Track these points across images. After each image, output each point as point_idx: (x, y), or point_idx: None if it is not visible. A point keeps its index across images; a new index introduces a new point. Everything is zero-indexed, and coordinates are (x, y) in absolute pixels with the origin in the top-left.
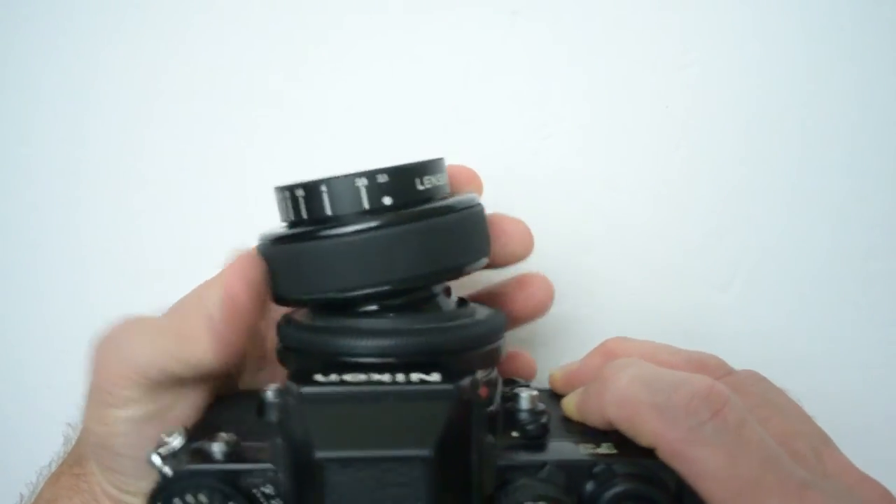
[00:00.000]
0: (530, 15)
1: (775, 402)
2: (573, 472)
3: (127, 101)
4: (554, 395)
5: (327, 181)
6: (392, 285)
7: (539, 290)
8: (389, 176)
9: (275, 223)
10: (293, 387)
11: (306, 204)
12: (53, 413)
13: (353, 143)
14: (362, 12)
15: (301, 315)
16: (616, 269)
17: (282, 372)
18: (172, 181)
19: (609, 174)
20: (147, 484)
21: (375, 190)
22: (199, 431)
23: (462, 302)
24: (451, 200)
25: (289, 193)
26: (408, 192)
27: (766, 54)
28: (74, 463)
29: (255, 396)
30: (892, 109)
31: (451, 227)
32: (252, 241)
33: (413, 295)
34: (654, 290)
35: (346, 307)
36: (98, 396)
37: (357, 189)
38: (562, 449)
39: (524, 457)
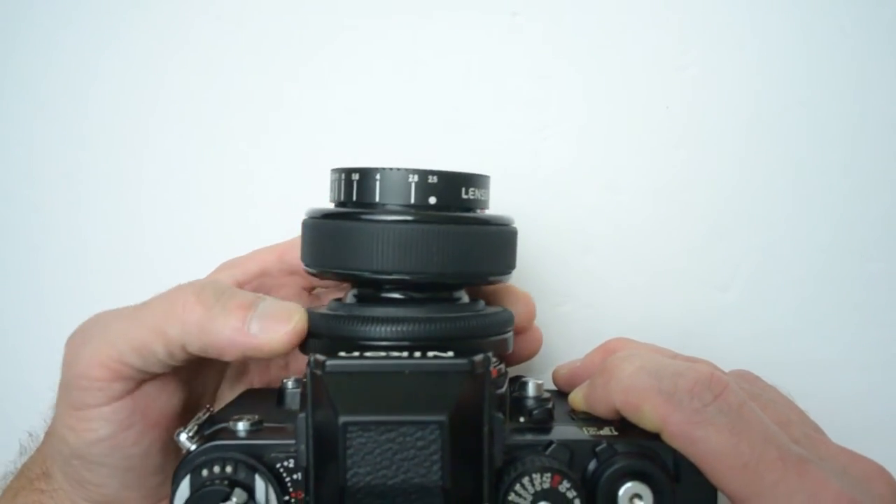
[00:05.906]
0: (530, 16)
1: (767, 396)
2: (577, 450)
3: (127, 101)
4: (559, 394)
5: (382, 171)
6: (422, 277)
7: (533, 339)
8: (439, 179)
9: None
10: (320, 360)
11: (358, 188)
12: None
13: (355, 144)
14: (363, 14)
15: (324, 308)
16: (616, 269)
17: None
18: (173, 182)
19: (609, 174)
20: (130, 494)
21: (424, 188)
22: (222, 415)
23: (474, 298)
24: (488, 215)
25: (344, 175)
26: (452, 196)
27: (766, 54)
28: (37, 478)
29: (273, 392)
30: (892, 109)
31: (483, 237)
32: (245, 242)
33: (435, 288)
34: (654, 290)
35: (368, 293)
36: (71, 397)
37: (409, 184)
38: (566, 431)
39: (531, 437)
